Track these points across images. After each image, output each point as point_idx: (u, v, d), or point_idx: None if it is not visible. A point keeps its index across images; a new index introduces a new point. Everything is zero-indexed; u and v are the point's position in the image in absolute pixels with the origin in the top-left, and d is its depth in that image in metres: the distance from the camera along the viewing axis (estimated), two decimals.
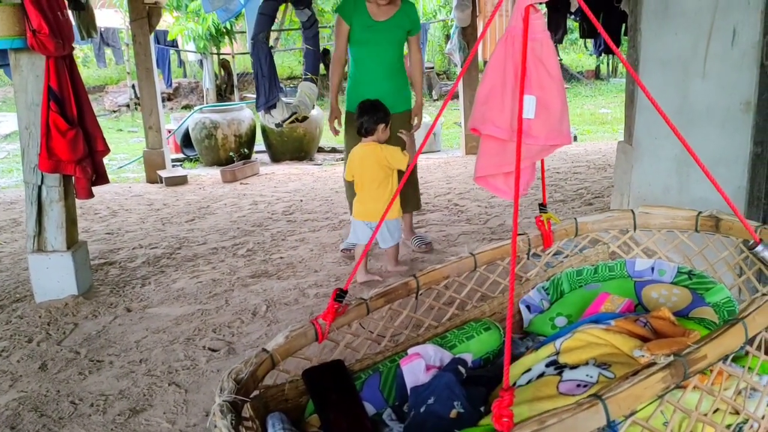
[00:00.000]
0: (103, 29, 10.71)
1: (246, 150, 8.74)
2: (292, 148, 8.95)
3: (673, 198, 3.03)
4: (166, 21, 12.90)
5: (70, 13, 3.69)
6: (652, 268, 2.05)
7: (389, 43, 3.71)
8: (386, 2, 3.61)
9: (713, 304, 1.81)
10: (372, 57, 3.73)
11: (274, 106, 3.96)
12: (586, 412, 1.02)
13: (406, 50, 3.87)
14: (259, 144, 9.28)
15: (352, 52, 3.81)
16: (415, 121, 3.87)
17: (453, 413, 1.51)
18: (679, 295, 1.87)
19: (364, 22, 3.66)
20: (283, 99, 4.20)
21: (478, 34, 7.38)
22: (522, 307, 2.14)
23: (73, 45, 3.31)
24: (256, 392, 1.53)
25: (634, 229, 2.14)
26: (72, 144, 3.20)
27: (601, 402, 1.03)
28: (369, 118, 3.32)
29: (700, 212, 1.98)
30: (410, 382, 1.63)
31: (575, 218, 2.18)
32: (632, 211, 2.13)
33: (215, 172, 7.65)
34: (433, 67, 16.93)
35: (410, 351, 1.74)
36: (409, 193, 3.90)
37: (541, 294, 2.15)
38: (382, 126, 3.33)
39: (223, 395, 1.31)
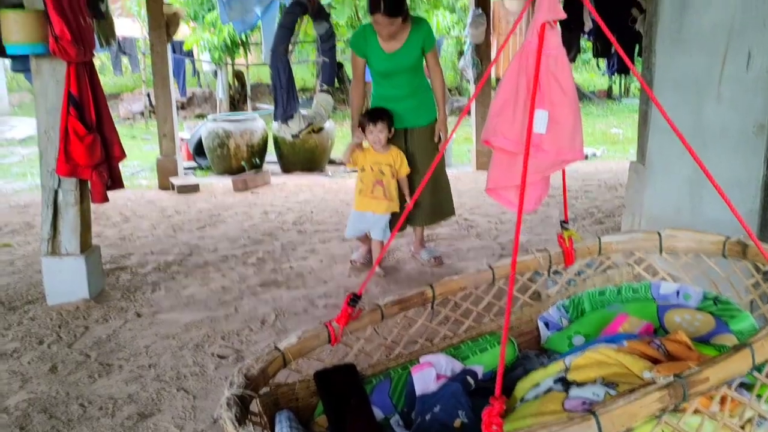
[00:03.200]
0: (120, 38, 10.85)
1: (258, 160, 8.78)
2: (304, 159, 8.99)
3: (685, 219, 3.03)
4: (183, 31, 13.03)
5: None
6: (678, 292, 2.01)
7: (406, 68, 3.73)
8: (390, 38, 3.58)
9: (737, 332, 1.77)
10: (392, 83, 3.77)
11: (291, 117, 3.99)
12: (577, 426, 1.00)
13: None
14: (271, 154, 9.32)
15: (373, 76, 3.85)
16: (439, 137, 3.84)
17: (457, 422, 1.51)
18: (702, 320, 1.84)
19: (379, 55, 3.68)
20: (300, 110, 4.24)
21: (492, 51, 7.42)
22: (540, 324, 2.13)
23: (93, 52, 3.36)
24: (266, 389, 1.54)
25: (660, 251, 2.10)
26: (90, 149, 3.24)
27: (594, 417, 1.01)
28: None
29: (728, 237, 1.96)
30: (420, 389, 1.64)
31: (599, 237, 2.17)
32: (658, 233, 2.11)
33: (227, 181, 7.69)
34: (445, 83, 16.98)
35: (422, 359, 1.74)
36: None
37: (561, 312, 2.13)
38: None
39: (232, 389, 1.33)
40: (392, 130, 3.72)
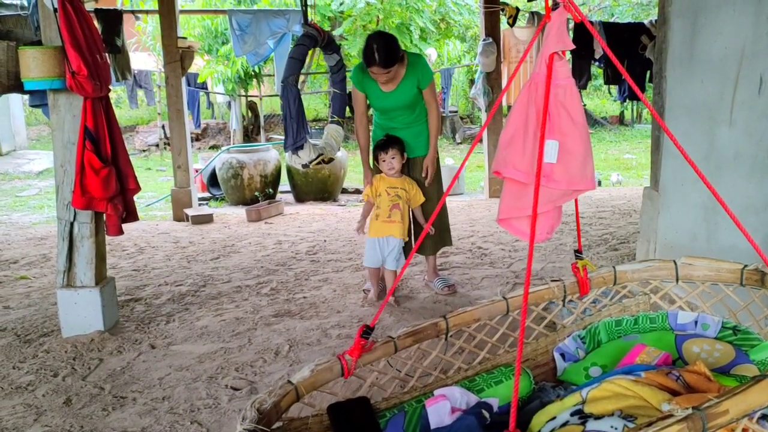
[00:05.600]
0: (136, 71, 11.04)
1: (271, 190, 8.85)
2: (317, 188, 9.05)
3: (700, 246, 3.00)
4: (197, 64, 13.26)
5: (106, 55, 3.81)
6: (696, 322, 1.99)
7: (403, 105, 3.75)
8: (387, 80, 3.61)
9: (757, 362, 1.74)
10: (390, 116, 3.82)
11: (301, 147, 4.03)
12: None
13: None
14: (284, 184, 9.40)
15: (373, 108, 3.91)
16: (426, 172, 3.83)
17: None
18: (722, 350, 1.81)
19: (376, 94, 3.74)
20: (310, 140, 4.27)
21: (503, 79, 7.47)
22: (556, 355, 2.10)
23: (109, 87, 3.42)
24: (279, 423, 1.53)
25: (677, 280, 2.07)
26: (105, 182, 3.27)
27: None
28: None
29: (745, 265, 1.94)
30: (434, 423, 1.62)
31: (614, 266, 2.15)
32: (674, 261, 2.09)
33: (240, 212, 7.74)
34: (456, 111, 17.11)
35: (436, 392, 1.73)
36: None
37: (577, 342, 2.11)
38: None
39: (245, 423, 1.32)
40: (405, 156, 3.75)
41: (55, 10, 3.12)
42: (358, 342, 1.65)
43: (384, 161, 3.71)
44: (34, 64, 3.17)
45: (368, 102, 3.84)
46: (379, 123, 3.89)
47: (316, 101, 18.32)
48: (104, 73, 3.29)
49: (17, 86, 3.36)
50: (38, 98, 4.85)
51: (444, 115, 14.97)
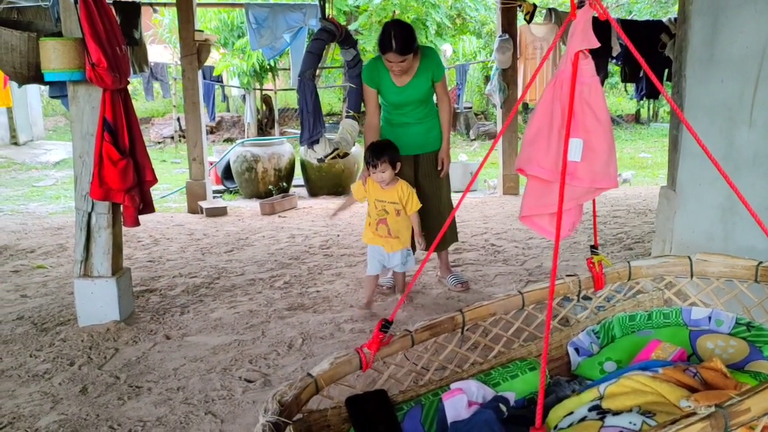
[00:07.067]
0: (152, 64, 11.09)
1: (285, 184, 8.88)
2: (330, 183, 9.06)
3: (717, 246, 2.98)
4: (213, 57, 13.32)
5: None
6: (709, 318, 1.99)
7: (416, 99, 3.73)
8: (401, 71, 3.56)
9: None
10: (402, 112, 3.78)
11: (317, 142, 4.03)
12: None
13: None
14: (298, 178, 9.42)
15: (383, 105, 3.86)
16: (441, 165, 3.83)
17: None
18: (736, 347, 1.81)
19: (390, 89, 3.70)
20: (326, 135, 4.27)
21: (519, 76, 7.44)
22: (570, 350, 2.11)
23: (128, 79, 3.44)
24: (299, 415, 1.54)
25: (691, 276, 2.08)
26: (123, 173, 3.30)
27: None
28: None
29: (760, 262, 1.94)
30: (451, 416, 1.63)
31: (628, 262, 2.16)
32: (689, 257, 2.09)
33: (254, 205, 7.78)
34: (471, 107, 17.07)
35: (453, 386, 1.74)
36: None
37: (591, 337, 2.11)
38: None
39: (267, 416, 1.34)
40: (397, 165, 3.53)
41: (76, 2, 3.14)
42: (376, 335, 1.66)
43: (374, 173, 3.49)
44: (54, 56, 3.19)
45: (380, 98, 3.82)
46: (389, 119, 3.84)
47: (330, 95, 18.34)
48: (123, 65, 3.31)
49: (37, 77, 3.38)
50: (58, 89, 4.88)
51: (458, 111, 14.94)
